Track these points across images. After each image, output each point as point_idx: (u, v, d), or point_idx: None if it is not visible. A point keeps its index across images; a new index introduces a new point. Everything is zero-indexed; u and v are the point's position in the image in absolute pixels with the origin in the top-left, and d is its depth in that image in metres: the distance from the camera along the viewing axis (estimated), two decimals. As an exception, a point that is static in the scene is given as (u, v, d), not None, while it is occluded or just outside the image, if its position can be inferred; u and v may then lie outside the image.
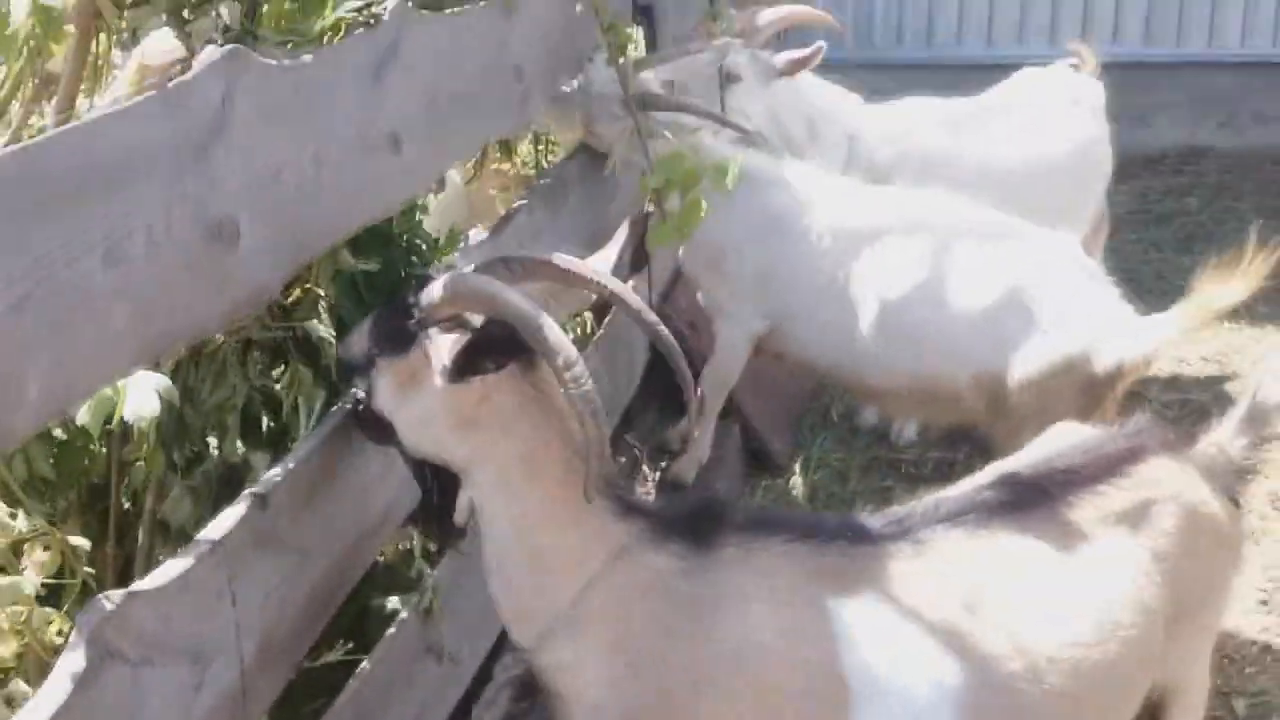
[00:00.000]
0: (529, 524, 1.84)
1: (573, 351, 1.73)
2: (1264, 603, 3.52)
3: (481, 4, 2.66)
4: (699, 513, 1.88)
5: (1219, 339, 4.94)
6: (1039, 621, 1.89)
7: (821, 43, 3.89)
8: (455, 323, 1.84)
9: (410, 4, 2.24)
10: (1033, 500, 1.98)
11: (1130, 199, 6.66)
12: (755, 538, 1.86)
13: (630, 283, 3.96)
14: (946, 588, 1.87)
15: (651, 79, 3.37)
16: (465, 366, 1.78)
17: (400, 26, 2.18)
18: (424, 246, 2.48)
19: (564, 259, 1.93)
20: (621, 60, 2.77)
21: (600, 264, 2.04)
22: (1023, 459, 2.15)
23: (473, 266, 1.96)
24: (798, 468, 4.26)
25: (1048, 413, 2.70)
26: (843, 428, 4.58)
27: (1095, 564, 1.95)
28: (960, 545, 1.92)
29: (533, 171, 3.89)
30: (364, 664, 2.05)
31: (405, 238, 2.46)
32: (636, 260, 4.22)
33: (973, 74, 4.47)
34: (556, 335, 1.74)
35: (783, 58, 3.86)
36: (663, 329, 1.92)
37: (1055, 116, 4.22)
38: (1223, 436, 2.26)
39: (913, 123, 4.11)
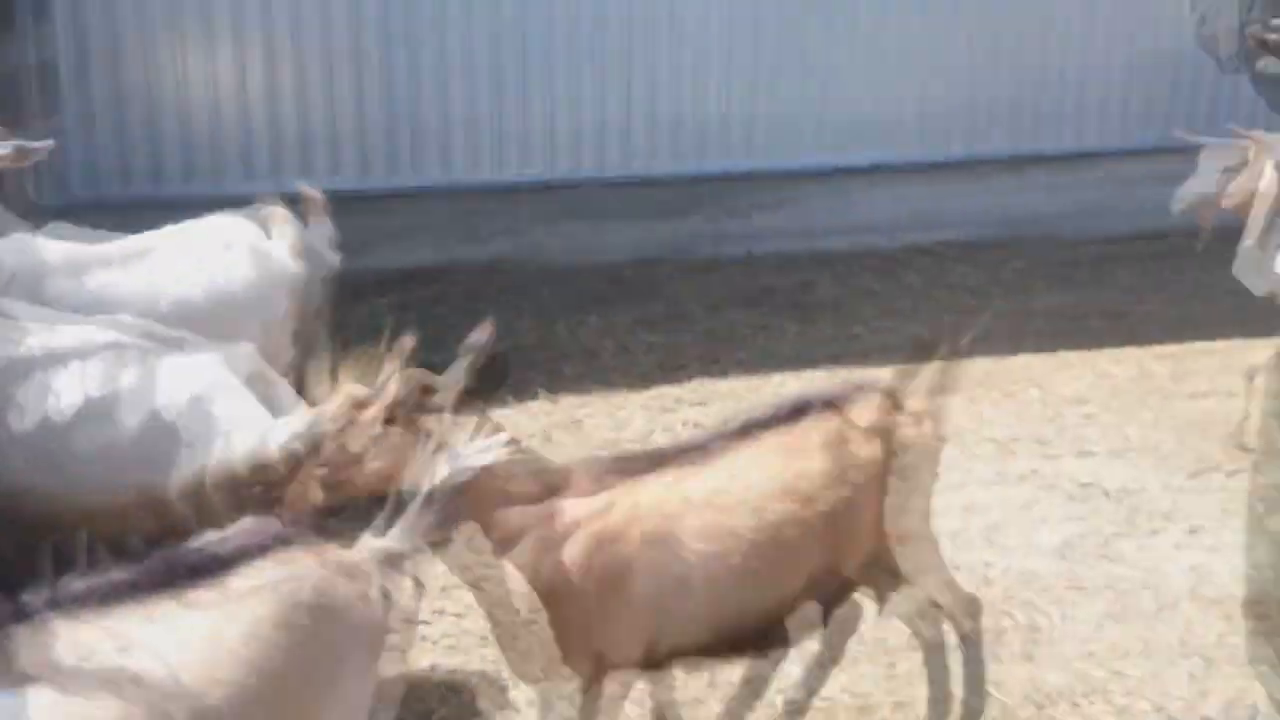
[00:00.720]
0: None
1: None
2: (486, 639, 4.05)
3: None
4: None
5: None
6: (149, 683, 2.09)
7: (44, 144, 3.96)
8: None
9: None
10: (149, 582, 2.22)
11: (391, 310, 7.37)
12: None
13: None
14: (75, 656, 2.06)
15: None
16: None
17: None
18: None
19: None
20: None
21: None
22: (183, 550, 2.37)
23: None
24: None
25: (245, 508, 2.95)
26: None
27: (205, 629, 2.19)
28: (94, 624, 2.11)
29: None
30: None
31: None
32: None
33: (201, 210, 4.67)
34: None
35: None
36: None
37: (227, 255, 4.33)
38: (403, 524, 2.52)
39: (74, 256, 4.13)
